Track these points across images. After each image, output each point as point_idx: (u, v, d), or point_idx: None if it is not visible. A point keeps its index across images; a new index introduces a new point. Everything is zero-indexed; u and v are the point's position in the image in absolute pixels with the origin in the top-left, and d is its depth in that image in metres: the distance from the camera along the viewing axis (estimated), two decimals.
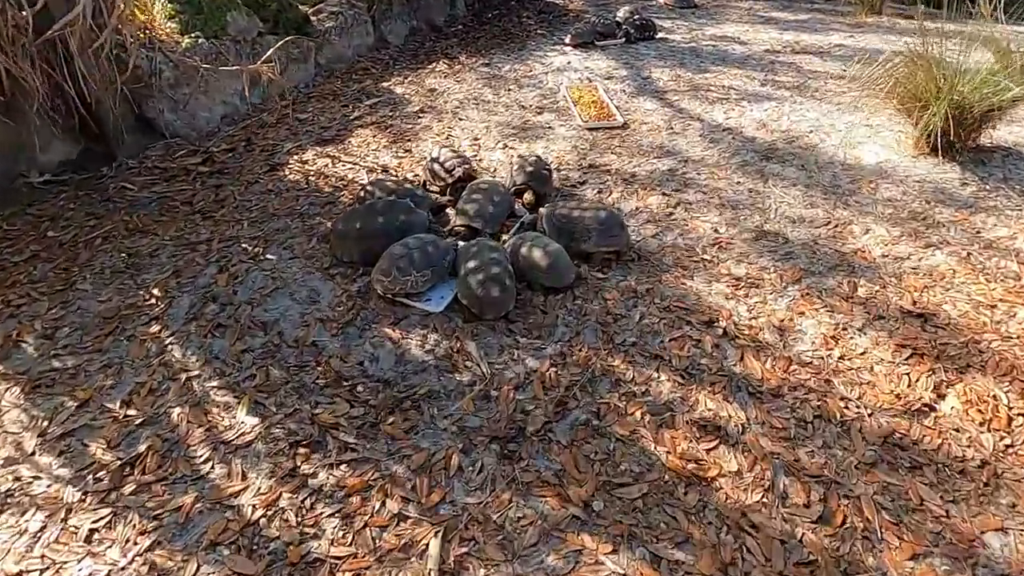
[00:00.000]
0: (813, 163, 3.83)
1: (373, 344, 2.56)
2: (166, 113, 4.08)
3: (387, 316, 2.70)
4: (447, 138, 4.27)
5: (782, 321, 2.67)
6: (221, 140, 4.18)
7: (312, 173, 3.84)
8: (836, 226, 3.26)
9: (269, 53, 4.14)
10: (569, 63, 5.62)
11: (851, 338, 2.58)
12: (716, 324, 2.66)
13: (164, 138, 4.12)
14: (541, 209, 3.14)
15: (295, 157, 4.02)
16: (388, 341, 2.57)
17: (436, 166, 3.49)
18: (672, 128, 4.34)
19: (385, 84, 5.18)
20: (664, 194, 3.58)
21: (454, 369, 2.46)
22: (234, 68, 4.05)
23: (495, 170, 3.88)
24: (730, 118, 4.45)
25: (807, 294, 2.81)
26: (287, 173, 3.83)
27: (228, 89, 4.39)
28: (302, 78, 5.05)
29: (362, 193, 3.31)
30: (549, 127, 4.42)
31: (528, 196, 3.33)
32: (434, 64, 5.61)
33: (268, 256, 3.07)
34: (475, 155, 4.04)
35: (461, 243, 3.02)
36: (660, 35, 6.27)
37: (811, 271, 2.95)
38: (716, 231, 3.26)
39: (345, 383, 2.39)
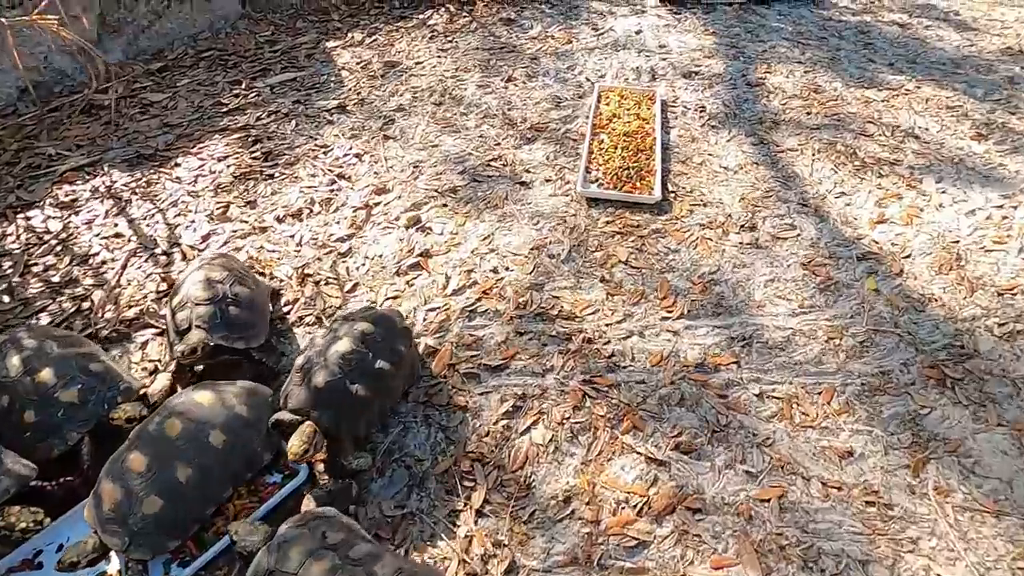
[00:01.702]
0: None
1: None
2: None
3: None
4: (333, 183, 2.26)
5: None
6: None
7: (40, 236, 2.03)
8: None
9: None
10: (639, 33, 3.21)
11: None
12: None
13: None
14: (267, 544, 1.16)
15: (66, 188, 2.22)
16: None
17: (168, 314, 1.55)
18: (753, 228, 2.03)
19: (332, 44, 3.12)
20: (650, 457, 1.44)
21: None
22: None
23: (354, 287, 1.87)
24: (887, 222, 2.03)
25: None
26: (3, 231, 2.06)
27: (36, 46, 2.58)
28: (204, 25, 3.11)
29: None
30: (524, 182, 2.25)
31: (295, 445, 1.29)
32: (432, 12, 3.42)
33: None
34: (347, 237, 2.02)
35: None
36: None
37: None
38: None
39: None
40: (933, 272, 1.85)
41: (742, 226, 2.03)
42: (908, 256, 1.90)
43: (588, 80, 2.82)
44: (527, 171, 2.29)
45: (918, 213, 2.05)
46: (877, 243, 1.95)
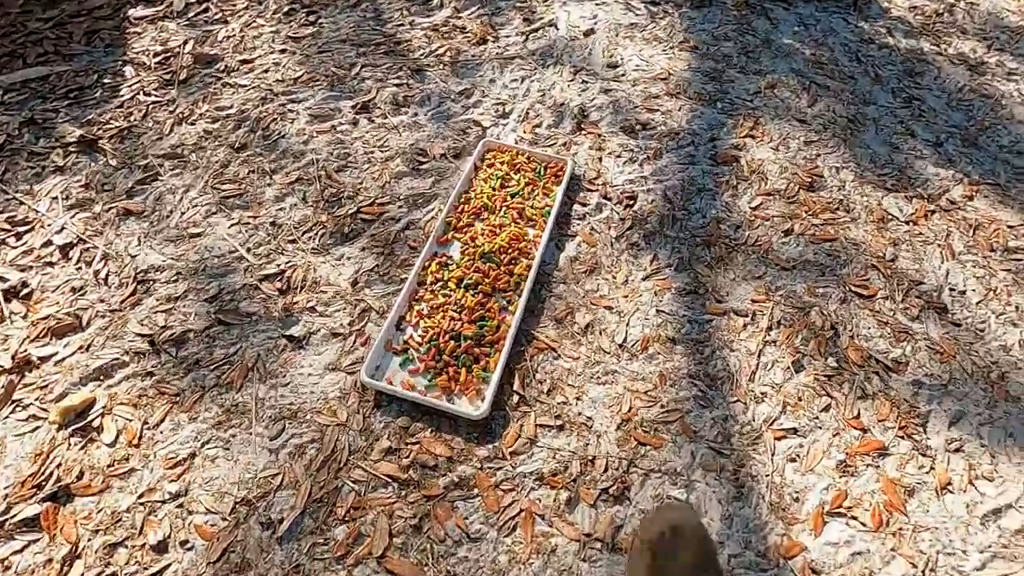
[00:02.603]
0: None
1: None
2: None
3: None
4: None
5: None
6: None
7: None
8: None
9: None
10: (589, 35, 2.17)
11: None
12: None
13: None
14: None
15: None
16: None
17: None
18: (621, 499, 1.14)
19: (139, 14, 2.11)
20: None
21: None
22: None
23: None
24: (846, 516, 1.13)
25: None
26: None
27: None
28: None
29: None
30: (295, 336, 1.40)
31: None
32: None
33: None
34: None
35: None
36: None
37: None
38: None
39: None
40: None
41: (604, 491, 1.19)
42: None
43: (477, 124, 1.86)
44: (313, 308, 1.43)
45: (902, 502, 1.20)
46: (816, 572, 1.12)
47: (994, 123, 1.96)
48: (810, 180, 1.76)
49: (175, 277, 1.46)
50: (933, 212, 1.70)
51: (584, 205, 1.68)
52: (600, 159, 1.79)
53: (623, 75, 2.05)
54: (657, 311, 1.46)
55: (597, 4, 2.31)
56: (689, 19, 2.26)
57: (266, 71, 1.97)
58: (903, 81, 2.08)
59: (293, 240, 1.56)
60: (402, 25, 2.17)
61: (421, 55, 2.07)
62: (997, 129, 1.94)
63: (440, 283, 1.46)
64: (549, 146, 1.82)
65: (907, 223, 1.67)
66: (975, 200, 1.74)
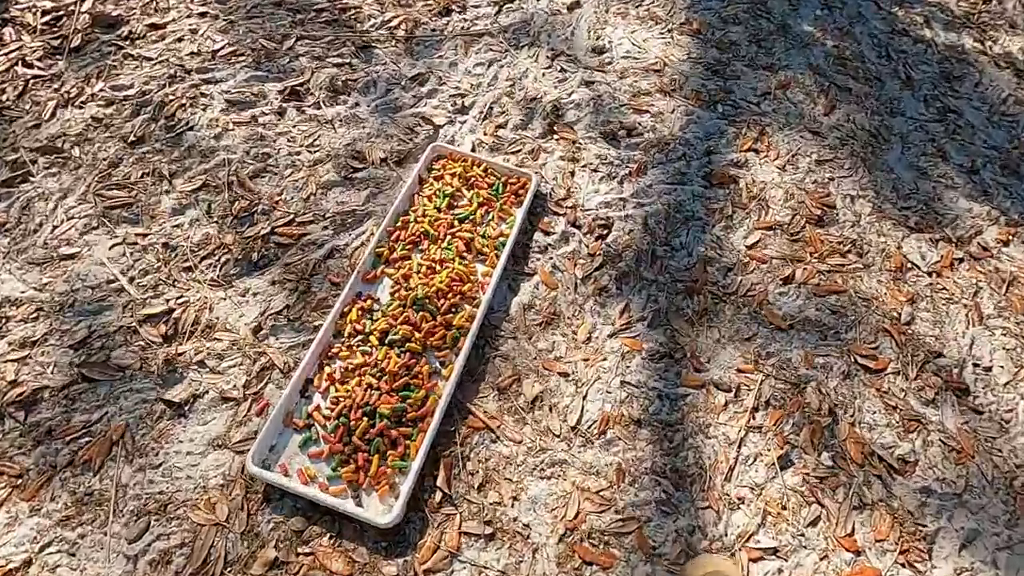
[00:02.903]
0: None
1: None
2: None
3: None
4: None
5: None
6: None
7: None
8: None
9: None
10: (574, 9, 1.83)
11: None
12: None
13: None
14: None
15: None
16: None
17: None
18: None
19: None
20: None
21: None
22: None
23: None
24: None
25: None
26: None
27: None
28: None
29: None
30: (174, 401, 1.14)
31: None
32: None
33: None
34: None
35: None
36: None
37: None
38: None
39: None
40: None
41: None
42: None
43: (429, 122, 1.55)
44: (202, 363, 1.17)
45: None
46: None
47: None
48: (819, 212, 1.47)
49: (35, 314, 1.19)
50: (961, 260, 1.43)
51: (548, 234, 1.39)
52: (572, 173, 1.50)
53: (609, 63, 1.72)
54: (622, 382, 1.20)
55: None
56: None
57: (179, 40, 1.63)
58: (938, 87, 1.76)
59: (189, 267, 1.27)
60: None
61: (371, 27, 1.73)
62: None
63: (360, 337, 1.19)
64: (513, 153, 1.52)
65: (929, 274, 1.40)
66: (1011, 246, 1.47)
